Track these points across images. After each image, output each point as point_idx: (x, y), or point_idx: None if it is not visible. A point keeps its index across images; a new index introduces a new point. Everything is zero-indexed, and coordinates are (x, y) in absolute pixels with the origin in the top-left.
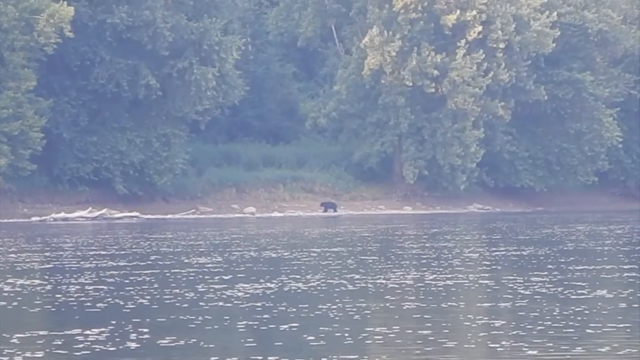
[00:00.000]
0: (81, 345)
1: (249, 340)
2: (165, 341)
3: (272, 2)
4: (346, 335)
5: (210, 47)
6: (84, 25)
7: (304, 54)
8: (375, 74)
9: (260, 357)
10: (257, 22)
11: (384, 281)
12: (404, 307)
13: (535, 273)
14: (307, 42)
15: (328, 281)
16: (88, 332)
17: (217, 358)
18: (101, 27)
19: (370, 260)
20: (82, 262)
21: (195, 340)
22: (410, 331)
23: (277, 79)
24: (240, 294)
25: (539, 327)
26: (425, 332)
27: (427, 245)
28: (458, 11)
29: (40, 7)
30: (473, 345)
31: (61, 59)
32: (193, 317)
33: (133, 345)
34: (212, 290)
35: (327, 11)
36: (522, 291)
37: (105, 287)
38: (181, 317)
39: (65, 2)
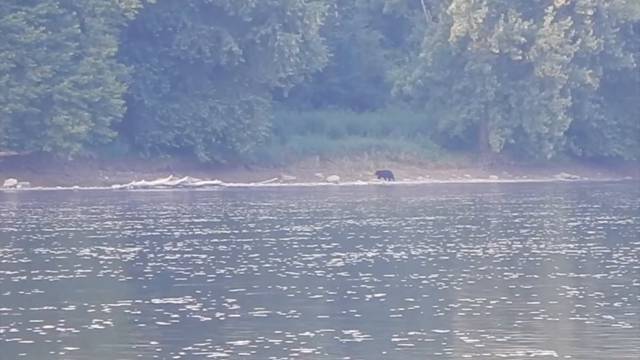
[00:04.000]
0: (174, 315)
1: (336, 311)
2: (255, 313)
3: None
4: (435, 306)
5: (293, 13)
6: None
7: (390, 21)
8: (462, 41)
9: (332, 329)
10: None
11: (483, 251)
12: (501, 278)
13: (636, 243)
14: (394, 9)
15: (427, 250)
16: (181, 300)
17: (293, 330)
18: None
19: (470, 229)
20: (180, 230)
21: (291, 311)
22: (505, 303)
23: (363, 46)
24: (339, 263)
25: (634, 300)
26: (515, 304)
27: (526, 214)
28: None
29: None
30: (558, 319)
31: (143, 25)
32: (286, 287)
33: (223, 316)
34: (311, 259)
35: None
36: (620, 262)
37: (203, 256)
38: (273, 286)
39: None
